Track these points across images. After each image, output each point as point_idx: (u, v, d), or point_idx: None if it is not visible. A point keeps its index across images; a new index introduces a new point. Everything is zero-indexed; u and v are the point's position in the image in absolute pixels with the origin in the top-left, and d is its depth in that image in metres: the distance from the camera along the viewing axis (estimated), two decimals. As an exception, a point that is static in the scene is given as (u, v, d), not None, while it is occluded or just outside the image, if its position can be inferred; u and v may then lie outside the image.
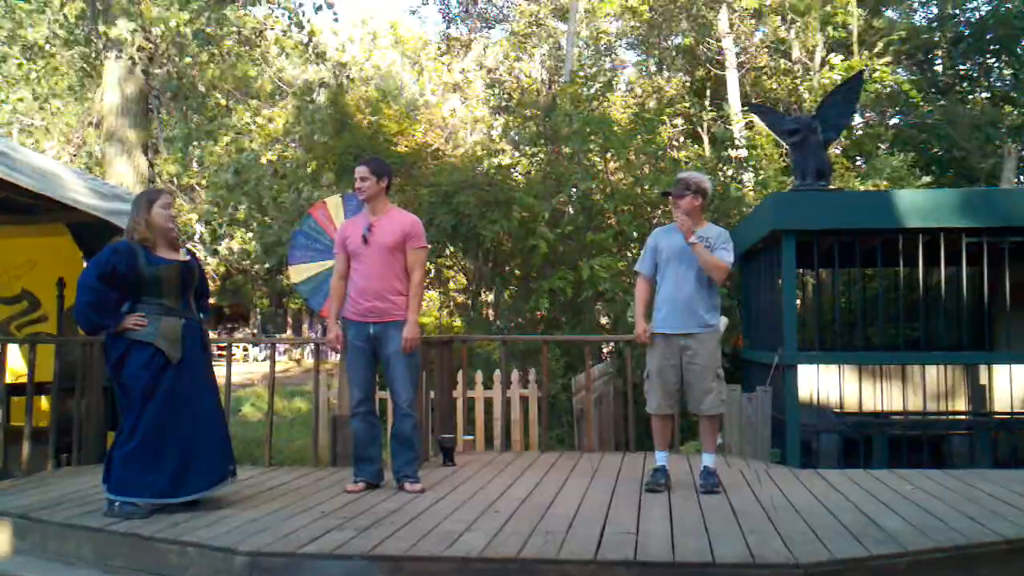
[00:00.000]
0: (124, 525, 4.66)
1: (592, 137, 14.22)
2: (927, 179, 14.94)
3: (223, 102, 15.82)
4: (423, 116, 22.50)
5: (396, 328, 5.67)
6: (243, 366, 30.55)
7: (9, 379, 6.86)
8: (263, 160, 16.66)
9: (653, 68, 24.07)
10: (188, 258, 5.25)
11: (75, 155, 18.51)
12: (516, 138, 17.68)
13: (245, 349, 36.61)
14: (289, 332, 42.71)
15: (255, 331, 43.30)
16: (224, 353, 7.63)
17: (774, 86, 20.11)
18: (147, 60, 12.78)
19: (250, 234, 18.61)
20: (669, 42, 22.65)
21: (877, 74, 17.26)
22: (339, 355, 6.25)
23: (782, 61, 20.89)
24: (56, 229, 7.50)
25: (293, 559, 4.09)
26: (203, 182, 17.33)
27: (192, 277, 5.23)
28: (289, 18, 15.48)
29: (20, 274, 8.05)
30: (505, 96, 21.30)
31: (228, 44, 15.27)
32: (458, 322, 16.41)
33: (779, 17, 20.00)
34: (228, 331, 43.74)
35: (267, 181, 14.91)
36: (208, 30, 13.52)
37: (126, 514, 4.81)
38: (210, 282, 34.26)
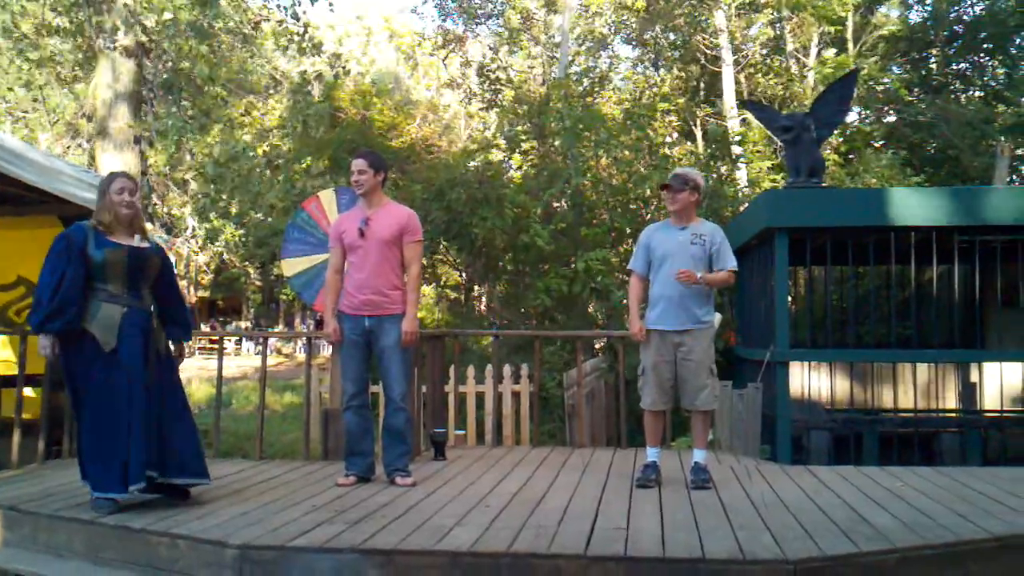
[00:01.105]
0: (114, 518, 4.64)
1: (585, 133, 14.23)
2: (918, 178, 14.96)
3: (218, 94, 15.76)
4: (416, 111, 22.50)
5: (392, 322, 5.66)
6: (235, 360, 30.53)
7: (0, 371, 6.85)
8: (258, 151, 16.64)
9: (648, 63, 24.04)
10: (145, 245, 5.00)
11: (68, 148, 18.47)
12: (509, 135, 17.67)
13: (238, 342, 36.58)
14: (281, 326, 42.66)
15: (247, 324, 43.24)
16: (216, 346, 7.62)
17: (769, 83, 20.12)
18: (141, 52, 12.73)
19: (242, 230, 18.58)
20: (664, 38, 22.61)
21: (865, 70, 17.28)
22: (334, 348, 6.25)
23: (776, 59, 20.91)
24: (48, 221, 7.48)
25: (283, 552, 4.09)
26: (194, 174, 17.31)
27: (145, 265, 4.96)
28: (284, 10, 15.45)
29: (15, 261, 8.01)
30: (495, 92, 21.25)
31: (224, 38, 15.23)
32: (448, 318, 16.42)
33: (774, 12, 20.02)
34: (221, 324, 43.70)
35: (258, 170, 14.85)
36: (202, 20, 13.48)
37: (101, 508, 4.74)
38: (203, 276, 34.06)
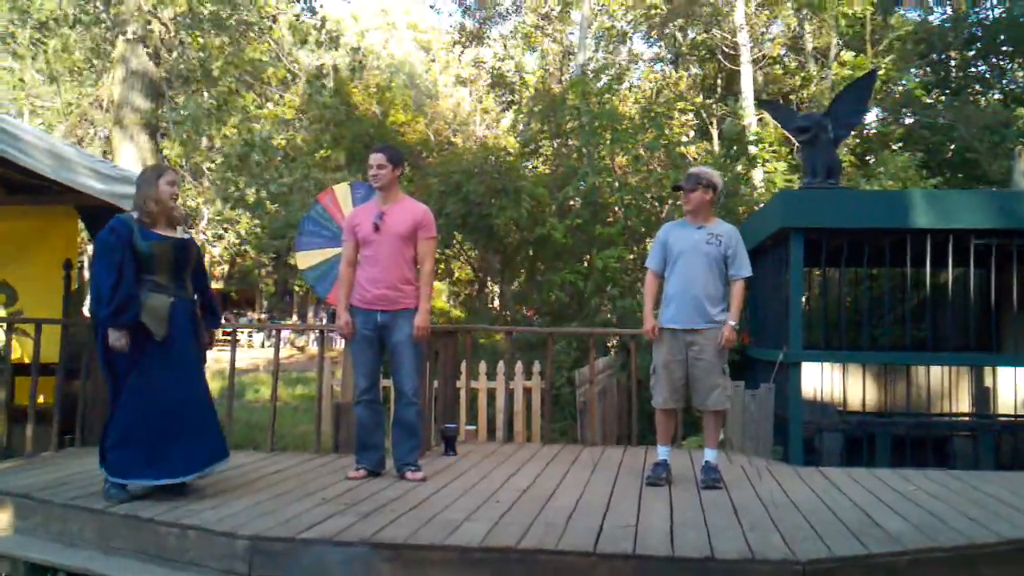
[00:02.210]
0: (124, 507, 4.67)
1: (601, 132, 14.22)
2: (935, 180, 14.88)
3: (232, 86, 15.80)
4: (431, 106, 22.52)
5: (404, 316, 5.67)
6: (248, 352, 30.61)
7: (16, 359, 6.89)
8: (277, 144, 16.68)
9: (669, 59, 23.95)
10: (185, 236, 5.17)
11: (82, 138, 18.54)
12: (524, 137, 17.68)
13: (250, 335, 36.66)
14: (295, 319, 42.74)
15: (262, 315, 43.34)
16: (229, 339, 7.64)
17: (787, 81, 20.05)
18: (158, 42, 12.77)
19: (256, 220, 18.63)
20: (683, 35, 22.54)
21: (883, 71, 17.20)
22: (346, 342, 6.26)
23: (795, 58, 20.84)
24: (58, 212, 7.51)
25: (294, 544, 4.10)
26: (211, 165, 17.35)
27: (188, 256, 5.12)
28: (301, 3, 15.48)
29: (28, 255, 8.01)
30: (509, 91, 21.26)
31: (238, 29, 15.26)
32: (459, 312, 16.43)
33: (794, 10, 19.95)
34: (235, 316, 43.82)
35: (274, 158, 14.87)
36: (217, 11, 13.51)
37: (113, 496, 4.80)
38: (217, 268, 34.18)
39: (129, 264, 4.88)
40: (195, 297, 5.22)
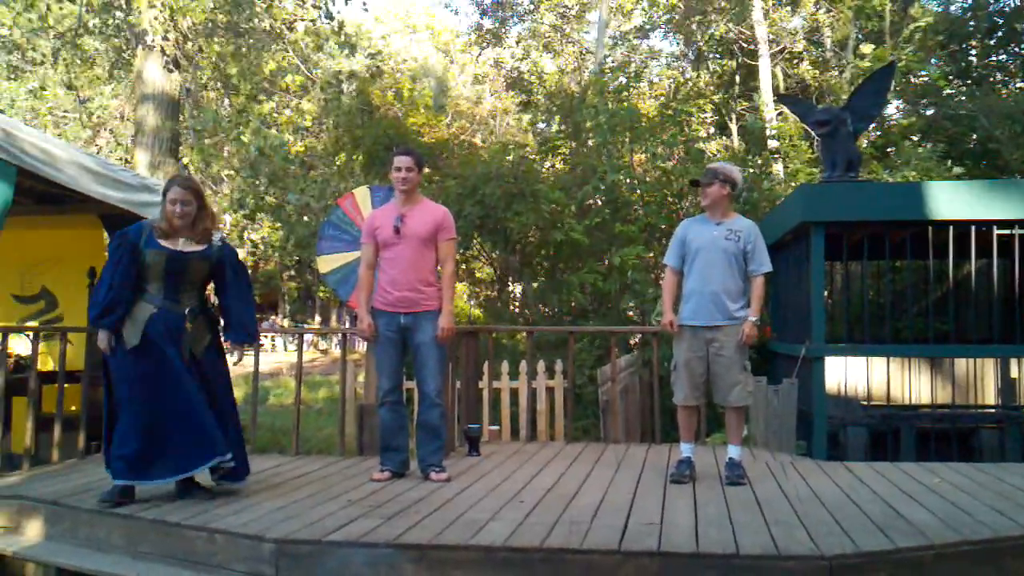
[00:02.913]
0: (152, 512, 4.71)
1: (619, 129, 14.20)
2: (958, 170, 14.78)
3: (251, 92, 15.88)
4: (450, 106, 22.54)
5: (427, 318, 5.70)
6: (271, 355, 30.74)
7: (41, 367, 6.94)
8: (292, 151, 16.74)
9: (690, 58, 23.88)
10: (192, 248, 5.09)
11: (100, 148, 18.69)
12: (542, 138, 17.66)
13: (273, 339, 36.79)
14: (318, 322, 42.93)
15: (285, 318, 43.54)
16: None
17: (806, 76, 19.96)
18: (177, 51, 12.86)
19: (279, 223, 18.70)
20: (702, 31, 22.45)
21: (903, 63, 17.09)
22: (368, 345, 6.29)
23: (815, 50, 20.74)
24: (84, 221, 7.58)
25: (320, 546, 4.13)
26: (230, 172, 17.44)
27: (184, 268, 5.06)
28: (318, 9, 15.53)
29: (41, 271, 8.13)
30: (527, 91, 21.26)
31: (255, 37, 15.34)
32: (478, 313, 16.44)
33: (813, 3, 19.85)
34: (257, 321, 44.01)
35: (291, 163, 14.92)
36: (236, 20, 13.59)
37: (104, 500, 4.90)
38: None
39: (128, 269, 4.96)
40: (189, 311, 5.10)
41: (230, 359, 5.63)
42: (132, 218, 6.88)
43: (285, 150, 14.62)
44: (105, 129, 20.26)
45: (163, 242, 5.01)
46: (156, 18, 12.23)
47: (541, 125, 19.88)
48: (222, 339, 5.35)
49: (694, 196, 13.10)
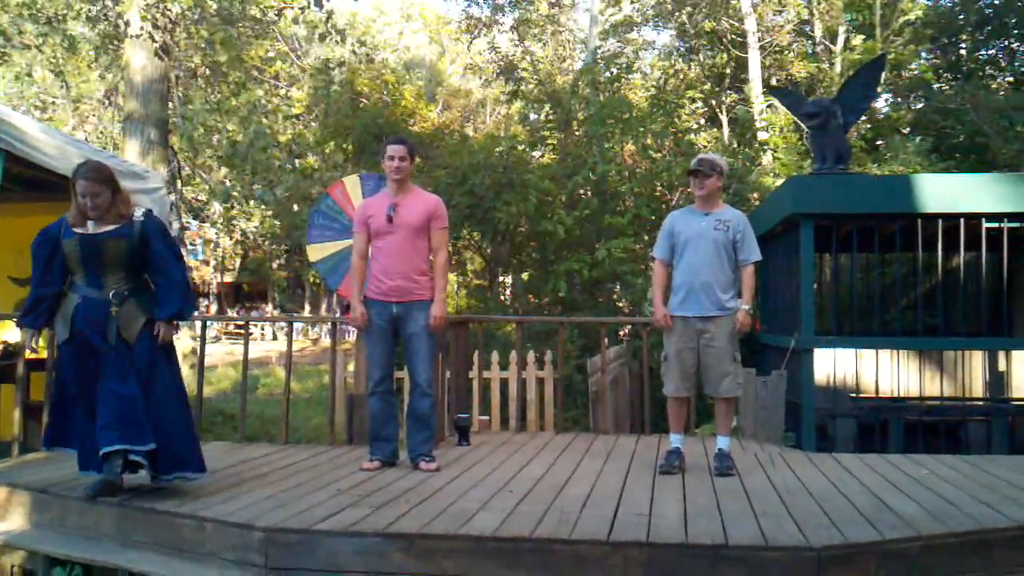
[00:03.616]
0: (142, 500, 4.70)
1: (610, 121, 14.20)
2: (945, 164, 14.83)
3: (241, 80, 15.78)
4: (440, 95, 22.48)
5: (419, 307, 5.70)
6: (260, 344, 30.73)
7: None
8: (281, 139, 16.68)
9: (681, 52, 23.85)
10: (101, 229, 4.76)
11: (88, 134, 18.58)
12: (532, 126, 17.65)
13: (262, 328, 36.75)
14: (308, 311, 42.87)
15: (274, 307, 43.46)
16: (242, 331, 7.66)
17: (796, 69, 19.97)
18: (167, 37, 12.79)
19: (269, 212, 18.65)
20: (693, 24, 22.44)
21: (893, 56, 17.12)
22: (359, 334, 6.28)
23: (805, 43, 20.76)
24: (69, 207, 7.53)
25: (309, 535, 4.13)
26: (212, 163, 17.36)
27: (98, 250, 4.74)
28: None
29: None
30: (517, 81, 21.22)
31: (245, 25, 15.25)
32: (465, 303, 16.45)
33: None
34: (247, 309, 43.96)
35: (274, 152, 14.84)
36: (225, 6, 13.51)
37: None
38: (230, 261, 34.19)
39: (48, 266, 4.83)
40: (113, 295, 4.77)
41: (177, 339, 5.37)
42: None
43: (265, 140, 14.53)
44: (92, 115, 20.16)
45: (77, 228, 4.79)
46: (145, 5, 12.14)
47: (532, 116, 19.86)
48: None
49: (685, 187, 13.12)
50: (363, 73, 17.85)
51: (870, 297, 10.69)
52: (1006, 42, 20.57)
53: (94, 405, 4.72)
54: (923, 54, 19.94)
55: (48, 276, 4.84)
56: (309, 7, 15.29)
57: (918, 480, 5.46)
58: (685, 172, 7.35)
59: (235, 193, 15.77)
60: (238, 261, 40.46)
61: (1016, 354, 8.73)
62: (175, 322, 4.99)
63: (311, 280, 34.32)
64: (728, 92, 20.66)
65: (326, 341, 25.03)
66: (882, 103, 19.80)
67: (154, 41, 12.31)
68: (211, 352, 19.89)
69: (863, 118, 14.70)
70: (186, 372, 17.44)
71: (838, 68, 18.72)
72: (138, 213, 4.89)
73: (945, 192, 8.01)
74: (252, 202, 16.32)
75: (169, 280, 4.90)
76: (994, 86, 19.48)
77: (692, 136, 16.09)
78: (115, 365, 4.73)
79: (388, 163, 5.74)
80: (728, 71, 21.66)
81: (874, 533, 4.10)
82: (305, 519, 4.30)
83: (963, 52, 20.74)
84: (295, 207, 14.98)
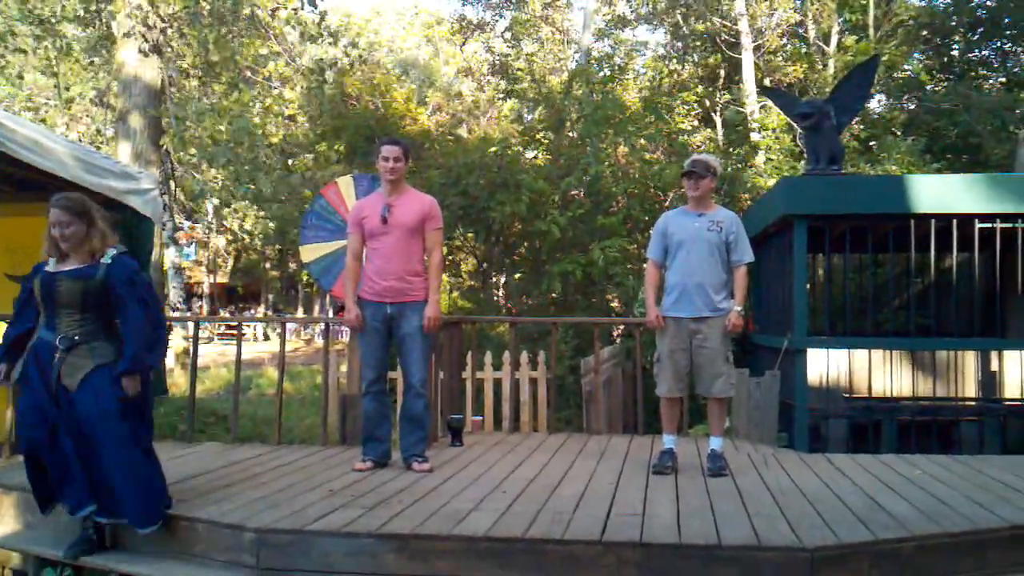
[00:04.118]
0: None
1: (602, 122, 14.21)
2: (938, 165, 14.87)
3: (234, 80, 15.74)
4: (432, 97, 22.46)
5: (414, 308, 5.69)
6: (253, 345, 30.68)
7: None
8: (274, 140, 16.65)
9: (675, 54, 23.85)
10: (62, 268, 4.50)
11: (82, 134, 18.53)
12: (526, 125, 17.65)
13: (255, 329, 36.68)
14: (300, 312, 42.84)
15: (267, 308, 43.42)
16: (235, 332, 7.64)
17: (789, 69, 20.00)
18: (158, 38, 12.75)
19: (262, 212, 18.63)
20: (687, 24, 22.44)
21: (887, 57, 17.16)
22: (352, 334, 6.27)
23: (796, 42, 20.78)
24: None
25: (301, 536, 4.12)
26: (197, 161, 17.31)
27: (53, 291, 4.46)
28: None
29: (29, 254, 8.04)
30: (512, 81, 21.22)
31: (237, 25, 15.21)
32: (462, 303, 16.44)
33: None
34: (239, 310, 43.90)
35: (264, 152, 14.79)
36: (217, 6, 13.47)
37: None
38: (222, 261, 34.14)
39: (22, 301, 4.64)
40: (63, 338, 4.45)
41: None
42: (113, 205, 6.87)
43: (249, 136, 14.46)
44: (85, 116, 20.11)
45: (47, 266, 4.55)
46: (137, 6, 12.10)
47: (528, 117, 19.86)
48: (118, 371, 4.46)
49: (678, 188, 13.13)
50: (354, 74, 17.85)
51: (863, 297, 10.70)
52: (999, 43, 20.63)
53: (42, 451, 4.46)
54: (916, 55, 20.00)
55: (22, 313, 4.61)
56: (303, 7, 15.26)
57: (911, 480, 5.47)
58: (678, 173, 7.34)
59: (215, 186, 15.71)
60: (231, 262, 40.41)
61: (1008, 354, 8.74)
62: (139, 370, 4.48)
63: (304, 281, 34.30)
64: (722, 92, 20.68)
65: (319, 342, 24.99)
66: (875, 104, 19.85)
67: (146, 41, 12.27)
68: (204, 353, 19.89)
69: (856, 119, 14.71)
70: (179, 373, 17.43)
71: (831, 69, 18.74)
72: (110, 253, 4.56)
73: (938, 192, 8.02)
74: (244, 203, 16.28)
75: (127, 328, 4.51)
76: (987, 87, 19.54)
77: (685, 137, 16.12)
78: (48, 415, 4.42)
79: (382, 164, 5.73)
80: (721, 71, 21.67)
81: (867, 533, 4.10)
82: (297, 520, 4.29)
83: (956, 53, 20.78)
84: (284, 204, 14.95)
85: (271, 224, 18.53)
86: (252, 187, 14.33)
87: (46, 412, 4.42)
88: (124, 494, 4.40)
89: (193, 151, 15.34)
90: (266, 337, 35.36)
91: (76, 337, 4.46)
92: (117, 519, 4.48)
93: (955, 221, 7.99)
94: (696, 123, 18.60)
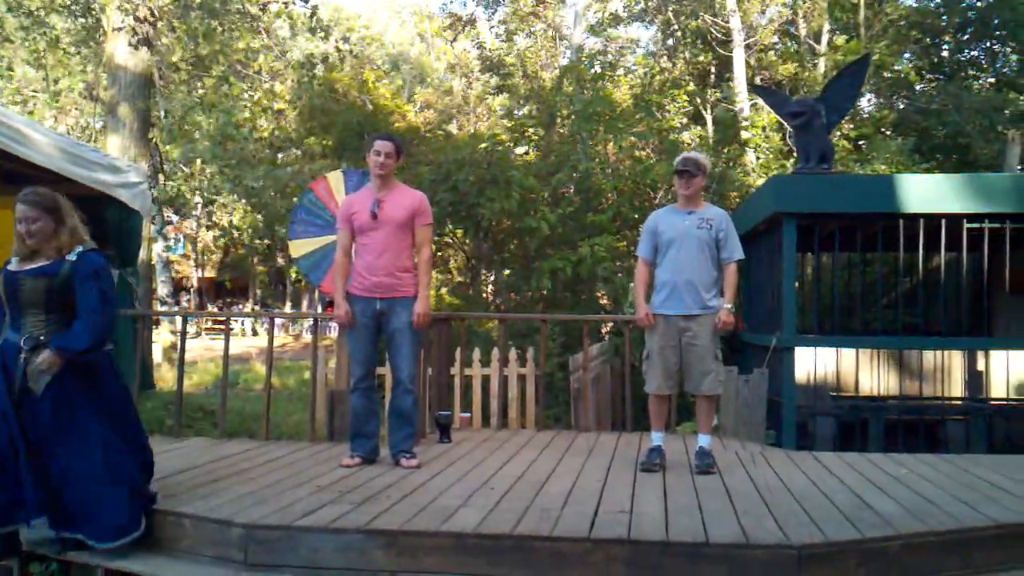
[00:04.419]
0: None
1: (594, 118, 14.22)
2: (927, 165, 14.94)
3: (224, 74, 15.71)
4: (422, 95, 22.44)
5: (403, 304, 5.68)
6: (242, 340, 30.61)
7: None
8: (262, 134, 16.61)
9: (665, 52, 23.86)
10: (25, 267, 4.36)
11: (71, 128, 18.45)
12: (516, 121, 17.66)
13: (243, 324, 36.61)
14: (289, 307, 42.76)
15: (255, 303, 43.33)
16: (223, 327, 7.62)
17: (780, 67, 20.05)
18: (149, 30, 12.69)
19: (248, 207, 18.61)
20: (678, 21, 22.45)
21: (877, 56, 17.21)
22: (341, 330, 6.25)
23: (788, 41, 20.83)
24: None
25: (288, 532, 4.10)
26: (185, 151, 17.29)
27: (15, 289, 4.32)
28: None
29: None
30: (503, 76, 21.21)
31: (228, 19, 15.17)
32: (450, 300, 16.45)
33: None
34: (227, 305, 43.79)
35: (252, 147, 14.76)
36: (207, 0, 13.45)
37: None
38: (211, 255, 34.09)
39: None
40: (28, 339, 4.29)
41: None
42: (100, 197, 6.84)
43: (234, 129, 14.43)
44: (74, 108, 20.02)
45: (11, 264, 4.41)
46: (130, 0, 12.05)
47: (518, 112, 19.86)
48: (88, 374, 4.38)
49: (668, 186, 13.14)
50: (342, 70, 17.83)
51: (851, 296, 10.74)
52: (988, 43, 20.71)
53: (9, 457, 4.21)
54: (906, 55, 20.06)
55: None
56: (294, 1, 15.23)
57: (898, 479, 5.48)
58: (668, 170, 7.34)
59: (201, 178, 15.69)
60: (219, 256, 40.31)
61: (995, 354, 8.78)
62: (73, 351, 4.29)
63: (292, 276, 34.26)
64: (713, 90, 20.71)
65: (307, 337, 24.98)
66: (865, 103, 19.91)
67: (136, 34, 12.21)
68: (191, 347, 19.81)
69: (846, 118, 14.76)
70: (167, 368, 17.38)
71: (822, 68, 18.79)
72: (77, 251, 4.41)
73: (927, 192, 8.05)
74: (232, 197, 16.25)
75: (80, 314, 4.34)
76: (976, 87, 19.62)
77: (676, 135, 16.14)
78: (34, 417, 4.23)
79: (373, 158, 5.70)
80: (712, 69, 21.71)
81: (854, 532, 4.11)
82: (285, 515, 4.28)
83: (945, 53, 20.86)
84: (272, 199, 14.93)
85: (259, 218, 18.51)
86: (236, 183, 14.30)
87: (7, 416, 4.20)
88: (79, 506, 4.21)
89: (176, 154, 15.31)
90: (254, 332, 35.27)
91: (41, 338, 4.30)
92: (72, 533, 4.23)
93: (943, 221, 8.02)
94: (686, 120, 18.63)
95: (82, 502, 4.21)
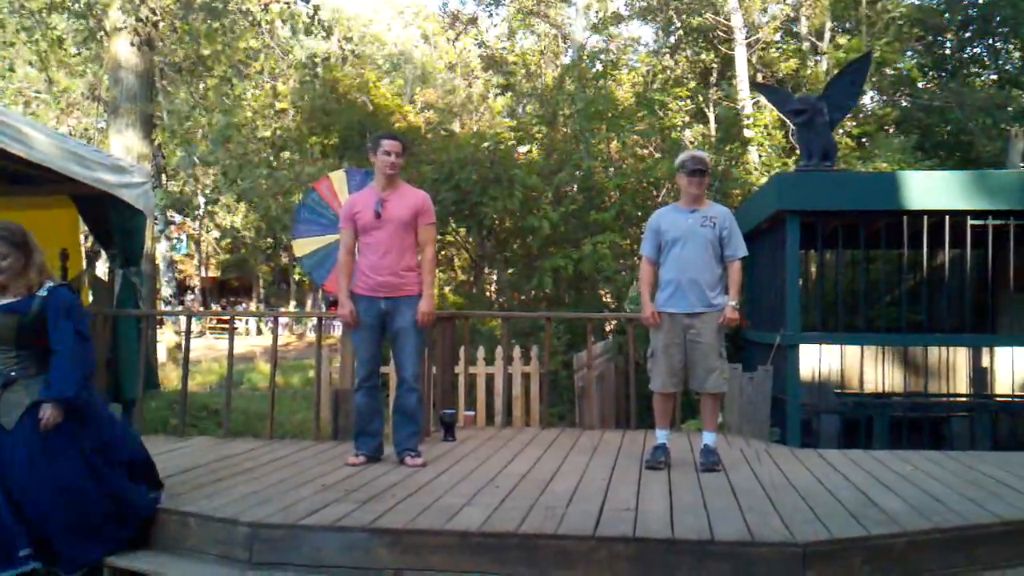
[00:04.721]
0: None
1: (596, 117, 14.22)
2: (930, 162, 14.92)
3: (226, 74, 15.71)
4: (421, 94, 22.46)
5: (407, 303, 5.67)
6: (246, 340, 30.62)
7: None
8: (266, 133, 16.62)
9: (667, 50, 23.85)
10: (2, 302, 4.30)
11: (72, 128, 18.47)
12: (519, 120, 17.66)
13: (247, 323, 36.61)
14: (293, 306, 42.77)
15: (259, 302, 43.34)
16: (227, 326, 7.62)
17: (782, 65, 20.03)
18: (151, 30, 12.70)
19: (250, 208, 18.62)
20: (682, 19, 22.43)
21: (879, 54, 17.19)
22: (345, 329, 6.25)
23: (791, 41, 20.81)
24: (57, 201, 7.48)
25: (293, 530, 4.11)
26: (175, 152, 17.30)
27: None
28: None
29: None
30: (507, 73, 21.20)
31: (230, 19, 15.16)
32: (453, 299, 16.45)
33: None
34: (231, 304, 43.82)
35: (253, 148, 14.76)
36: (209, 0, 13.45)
37: None
38: (214, 255, 34.12)
39: None
40: (24, 373, 4.28)
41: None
42: (102, 198, 6.84)
43: (234, 131, 14.42)
44: (76, 109, 20.04)
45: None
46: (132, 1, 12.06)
47: (521, 111, 19.87)
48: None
49: (671, 184, 13.13)
50: (342, 69, 17.83)
51: (855, 293, 10.72)
52: (990, 41, 20.68)
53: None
54: (908, 52, 20.03)
55: None
56: (295, 1, 15.22)
57: (903, 476, 5.47)
58: (671, 168, 7.33)
59: (203, 179, 15.70)
60: (223, 256, 40.33)
61: (999, 351, 8.78)
62: (67, 399, 4.21)
63: (296, 275, 34.28)
64: (715, 88, 20.70)
65: (311, 336, 24.96)
66: (867, 101, 19.89)
67: (138, 34, 12.22)
68: (195, 347, 19.82)
69: (849, 115, 14.75)
70: (171, 367, 17.40)
71: (824, 66, 18.78)
72: (47, 286, 4.37)
73: (930, 189, 8.04)
74: (234, 197, 16.25)
75: (59, 357, 4.25)
76: (978, 84, 19.59)
77: (678, 133, 16.12)
78: (10, 453, 4.15)
79: (383, 158, 5.69)
80: (715, 67, 21.69)
81: (859, 529, 4.10)
82: (290, 514, 4.28)
83: (948, 50, 20.84)
84: (271, 200, 14.91)
85: (259, 218, 18.53)
86: (230, 185, 14.29)
87: None
88: (57, 538, 4.15)
89: (177, 156, 15.31)
90: (258, 331, 35.25)
91: (12, 373, 4.26)
92: (49, 566, 4.14)
93: (947, 218, 8.01)
94: (688, 119, 18.63)
95: (57, 534, 4.15)
